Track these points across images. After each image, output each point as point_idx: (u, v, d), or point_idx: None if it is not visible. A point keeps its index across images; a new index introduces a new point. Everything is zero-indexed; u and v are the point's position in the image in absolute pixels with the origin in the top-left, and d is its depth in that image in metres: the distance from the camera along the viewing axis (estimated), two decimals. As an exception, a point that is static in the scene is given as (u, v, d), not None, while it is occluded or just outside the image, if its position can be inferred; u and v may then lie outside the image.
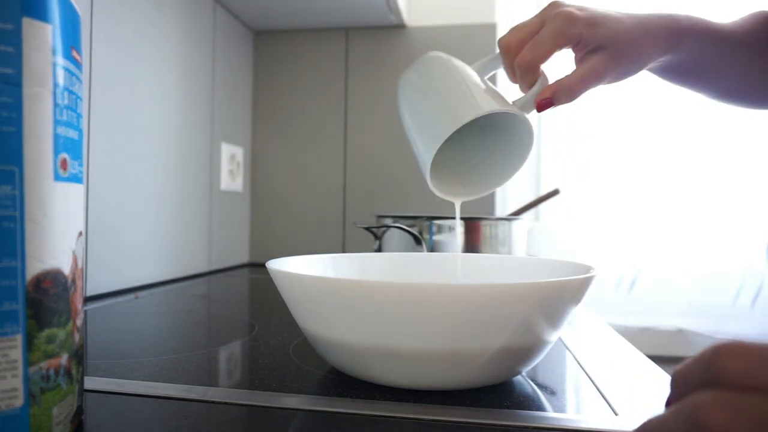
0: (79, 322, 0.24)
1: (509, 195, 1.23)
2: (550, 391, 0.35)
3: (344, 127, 1.18)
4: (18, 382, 0.20)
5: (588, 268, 0.38)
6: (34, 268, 0.20)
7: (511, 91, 1.05)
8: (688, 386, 0.19)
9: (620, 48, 0.43)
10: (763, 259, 1.14)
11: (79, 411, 0.24)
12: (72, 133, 0.23)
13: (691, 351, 1.14)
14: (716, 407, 0.17)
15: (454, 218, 0.75)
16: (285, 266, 0.42)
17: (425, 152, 0.43)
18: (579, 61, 0.44)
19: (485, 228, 0.76)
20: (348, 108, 1.17)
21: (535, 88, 0.44)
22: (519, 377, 0.38)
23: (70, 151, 0.23)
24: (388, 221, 0.78)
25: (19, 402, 0.20)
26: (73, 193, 0.23)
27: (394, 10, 1.06)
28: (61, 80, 0.22)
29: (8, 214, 0.19)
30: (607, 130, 1.20)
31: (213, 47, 1.02)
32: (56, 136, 0.21)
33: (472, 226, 0.76)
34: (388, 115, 1.16)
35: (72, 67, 0.23)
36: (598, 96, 1.19)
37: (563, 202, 1.21)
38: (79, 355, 0.24)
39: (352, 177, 1.17)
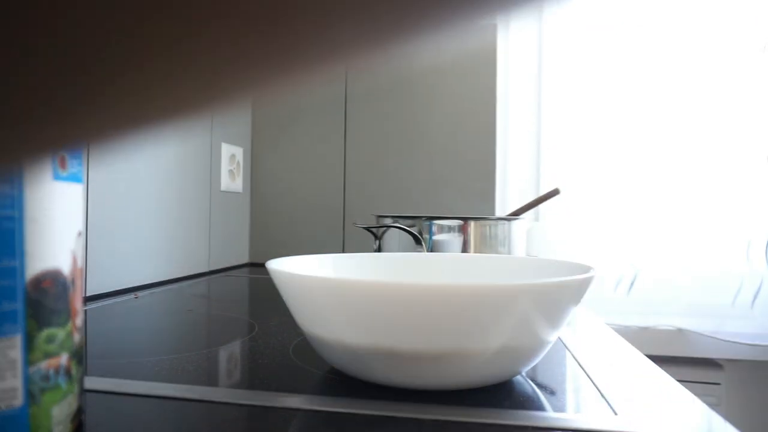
0: (79, 322, 0.24)
1: (509, 195, 1.23)
2: (550, 391, 0.35)
3: (344, 127, 1.18)
4: (17, 382, 0.20)
5: (588, 268, 0.38)
6: (33, 267, 0.20)
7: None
8: None
9: None
10: (763, 259, 1.14)
11: (79, 411, 0.24)
12: (71, 133, 0.23)
13: (691, 351, 1.15)
14: None
15: (454, 218, 0.75)
16: (285, 266, 0.42)
17: None
18: None
19: (485, 228, 0.76)
20: (348, 108, 1.17)
21: None
22: (519, 377, 0.38)
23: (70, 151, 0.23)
24: (388, 221, 0.78)
25: (18, 402, 0.20)
26: (73, 192, 0.23)
27: (394, 10, 1.06)
28: (60, 80, 0.22)
29: (7, 214, 0.19)
30: (607, 130, 1.20)
31: (213, 47, 1.02)
32: (56, 136, 0.21)
33: (472, 226, 0.76)
34: (388, 115, 1.16)
35: (71, 67, 0.23)
36: (599, 96, 1.19)
37: (563, 202, 1.21)
38: (79, 355, 0.24)
39: (352, 177, 1.17)
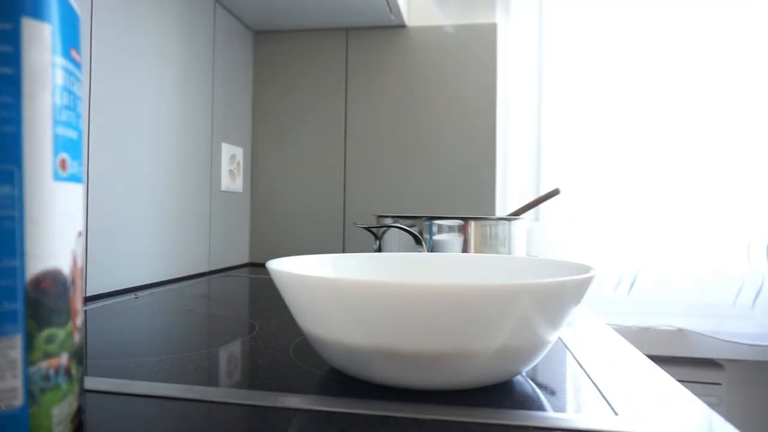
0: (79, 322, 0.24)
1: (509, 195, 1.23)
2: (550, 391, 0.35)
3: (344, 127, 1.18)
4: (18, 382, 0.20)
5: (588, 268, 0.38)
6: (33, 267, 0.20)
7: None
8: None
9: None
10: (763, 259, 1.13)
11: (79, 411, 0.24)
12: (71, 133, 0.23)
13: (691, 351, 1.15)
14: None
15: (454, 218, 0.75)
16: (285, 266, 0.42)
17: None
18: None
19: (485, 228, 0.76)
20: (348, 108, 1.17)
21: None
22: (519, 377, 0.38)
23: (70, 151, 0.23)
24: (388, 221, 0.78)
25: (18, 402, 0.20)
26: (73, 192, 0.23)
27: (394, 10, 1.06)
28: (60, 80, 0.22)
29: (7, 214, 0.19)
30: (607, 130, 1.20)
31: (213, 47, 1.02)
32: (55, 136, 0.21)
33: (472, 226, 0.76)
34: (388, 115, 1.16)
35: (71, 67, 0.23)
36: (599, 96, 1.19)
37: (563, 202, 1.20)
38: (79, 355, 0.24)
39: (352, 177, 1.17)
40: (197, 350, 0.44)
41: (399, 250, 0.76)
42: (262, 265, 1.17)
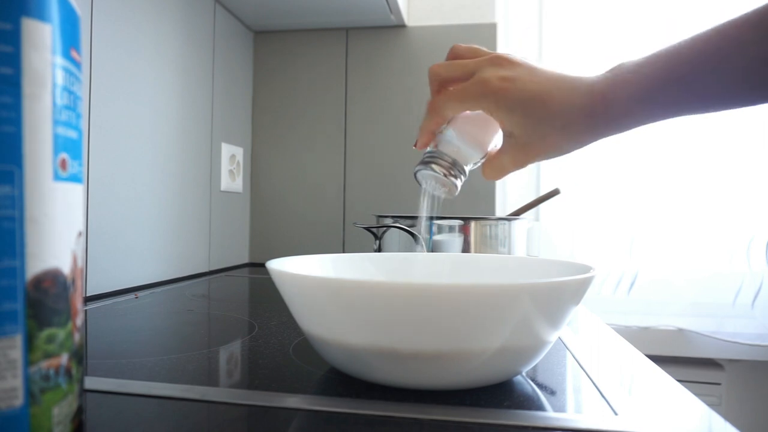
0: (79, 322, 0.24)
1: (509, 195, 1.23)
2: (550, 391, 0.35)
3: (344, 127, 1.18)
4: (18, 382, 0.20)
5: (588, 268, 0.38)
6: (33, 267, 0.20)
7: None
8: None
9: (525, 143, 0.39)
10: (763, 259, 1.14)
11: (79, 411, 0.24)
12: (71, 133, 0.23)
13: (692, 351, 1.15)
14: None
15: (454, 218, 0.75)
16: (285, 266, 0.42)
17: None
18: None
19: (485, 228, 0.76)
20: (348, 108, 1.17)
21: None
22: (519, 377, 0.38)
23: (70, 151, 0.23)
24: (388, 221, 0.78)
25: (18, 402, 0.20)
26: (73, 192, 0.23)
27: (394, 10, 1.06)
28: (60, 80, 0.22)
29: (8, 214, 0.19)
30: (607, 130, 1.20)
31: (213, 47, 1.02)
32: (56, 136, 0.21)
33: (472, 226, 0.76)
34: (388, 115, 1.16)
35: (71, 67, 0.23)
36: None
37: (563, 202, 1.21)
38: (79, 355, 0.24)
39: (352, 177, 1.17)
40: (197, 350, 0.44)
41: (399, 250, 0.76)
42: (262, 265, 1.17)
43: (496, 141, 0.44)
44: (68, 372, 0.22)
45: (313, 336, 0.35)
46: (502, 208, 1.19)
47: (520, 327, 0.31)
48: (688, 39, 0.35)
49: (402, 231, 0.75)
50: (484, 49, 0.42)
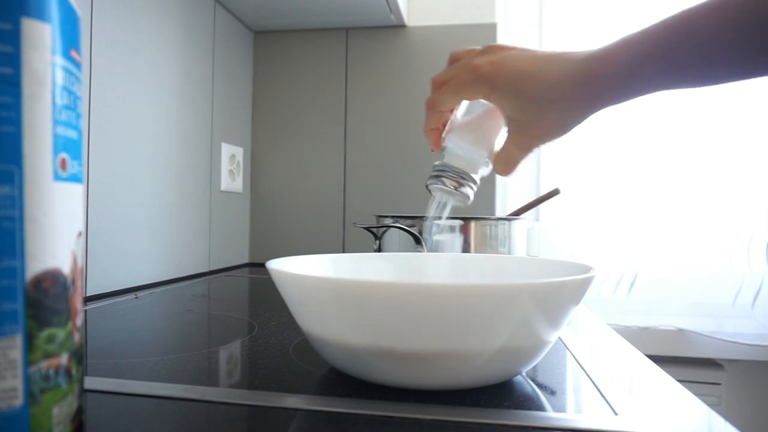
0: (79, 322, 0.24)
1: (509, 195, 1.23)
2: (550, 391, 0.35)
3: (344, 127, 1.17)
4: (18, 382, 0.20)
5: (588, 268, 0.38)
6: (33, 267, 0.20)
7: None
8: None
9: (524, 122, 0.39)
10: (763, 259, 1.13)
11: (79, 411, 0.24)
12: (71, 133, 0.23)
13: (692, 351, 1.15)
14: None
15: (454, 218, 0.75)
16: (285, 266, 0.42)
17: None
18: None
19: (485, 228, 0.76)
20: (348, 108, 1.17)
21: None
22: (519, 377, 0.38)
23: (70, 151, 0.23)
24: (388, 221, 0.78)
25: (18, 402, 0.20)
26: (73, 192, 0.23)
27: (394, 10, 1.06)
28: (60, 80, 0.22)
29: (8, 214, 0.19)
30: (607, 130, 1.20)
31: (213, 47, 1.02)
32: (55, 136, 0.21)
33: (472, 226, 0.76)
34: (388, 115, 1.16)
35: (71, 67, 0.23)
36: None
37: (563, 202, 1.20)
38: (79, 355, 0.24)
39: (352, 177, 1.17)
40: (197, 350, 0.44)
41: (399, 250, 0.76)
42: (262, 265, 1.17)
43: (499, 139, 0.44)
44: (68, 372, 0.22)
45: (313, 336, 0.35)
46: (502, 208, 1.19)
47: (520, 327, 0.31)
48: (676, 14, 0.35)
49: (402, 231, 0.75)
50: (480, 48, 0.43)
